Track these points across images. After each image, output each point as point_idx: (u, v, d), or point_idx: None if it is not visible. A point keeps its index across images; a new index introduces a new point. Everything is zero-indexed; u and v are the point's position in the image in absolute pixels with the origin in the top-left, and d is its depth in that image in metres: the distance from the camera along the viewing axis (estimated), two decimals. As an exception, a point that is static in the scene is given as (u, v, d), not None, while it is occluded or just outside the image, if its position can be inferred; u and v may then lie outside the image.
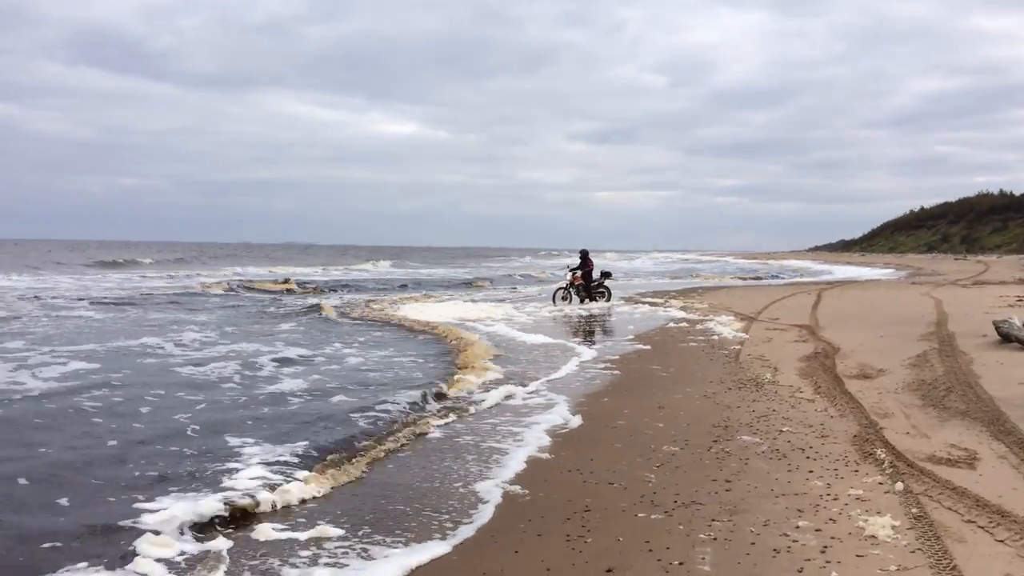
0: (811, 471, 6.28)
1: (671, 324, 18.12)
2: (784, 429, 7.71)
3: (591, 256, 25.82)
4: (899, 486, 5.64)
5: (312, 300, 26.75)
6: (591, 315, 21.71)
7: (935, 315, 16.89)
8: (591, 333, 17.60)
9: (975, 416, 7.57)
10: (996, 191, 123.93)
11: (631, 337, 15.93)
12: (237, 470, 6.66)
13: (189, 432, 8.07)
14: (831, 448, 6.94)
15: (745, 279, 45.11)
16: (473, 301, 26.63)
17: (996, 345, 11.45)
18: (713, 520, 5.31)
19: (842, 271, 57.29)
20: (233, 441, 7.68)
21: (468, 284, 39.92)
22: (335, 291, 32.81)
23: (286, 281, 36.79)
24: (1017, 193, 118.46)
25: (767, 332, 15.80)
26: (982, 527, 4.79)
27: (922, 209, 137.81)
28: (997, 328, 11.58)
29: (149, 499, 5.93)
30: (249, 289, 32.87)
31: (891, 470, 6.08)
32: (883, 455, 6.49)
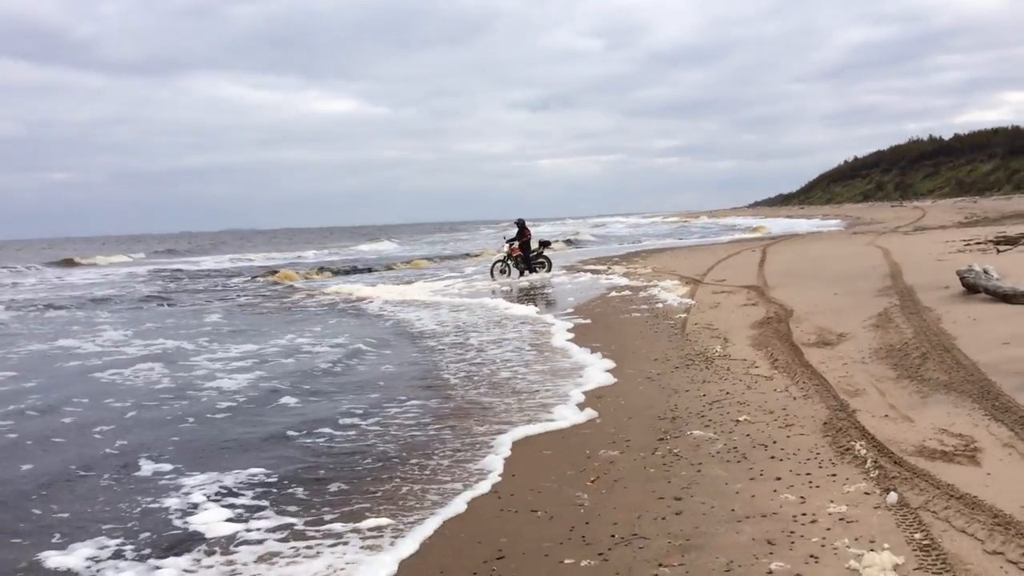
0: (778, 478, 5.08)
1: (613, 293, 16.95)
2: (741, 418, 6.51)
3: (528, 225, 24.55)
4: (892, 497, 4.45)
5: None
6: (530, 287, 20.46)
7: (887, 266, 15.99)
8: (527, 309, 16.31)
9: (961, 389, 6.46)
10: (926, 137, 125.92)
11: (570, 310, 14.68)
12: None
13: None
14: (799, 442, 5.76)
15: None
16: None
17: (961, 297, 10.46)
18: (660, 565, 4.06)
19: (784, 224, 56.98)
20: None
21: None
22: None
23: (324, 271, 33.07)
24: (947, 138, 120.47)
25: (714, 296, 14.70)
26: (1014, 562, 3.61)
27: (856, 159, 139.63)
28: (962, 278, 10.58)
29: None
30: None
31: (877, 472, 4.90)
32: (863, 449, 5.32)
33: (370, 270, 32.18)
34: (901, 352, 7.98)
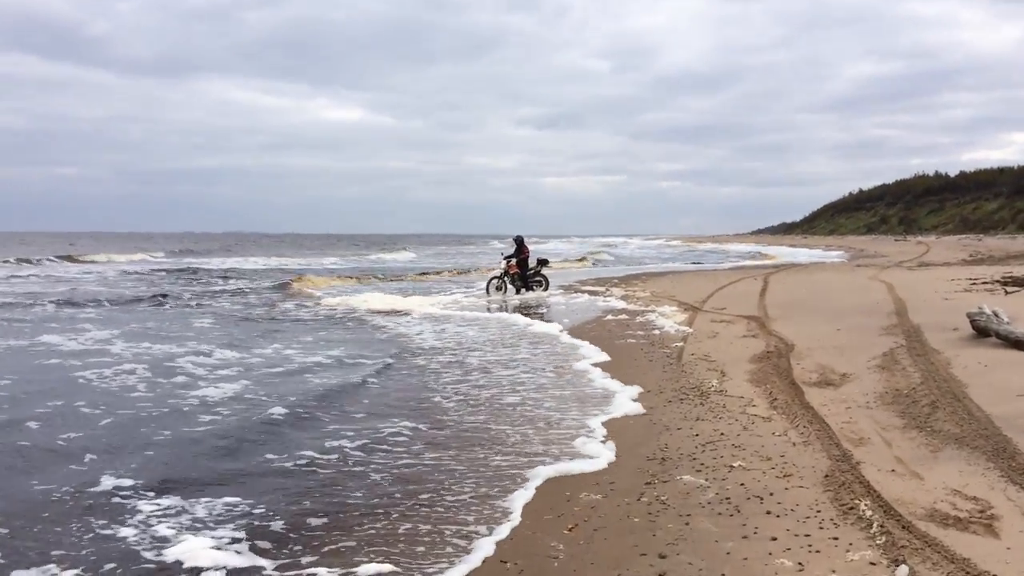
0: (774, 538, 4.60)
1: (609, 316, 16.47)
2: (735, 464, 6.04)
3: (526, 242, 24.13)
4: (902, 571, 3.98)
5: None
6: (525, 306, 19.99)
7: (891, 303, 15.52)
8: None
9: (974, 444, 5.99)
10: (932, 173, 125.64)
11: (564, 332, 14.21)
12: None
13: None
14: (797, 496, 5.28)
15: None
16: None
17: (971, 340, 9.99)
18: (638, 639, 3.58)
19: (787, 253, 56.56)
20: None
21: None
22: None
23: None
24: (952, 174, 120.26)
25: (713, 325, 14.24)
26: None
27: (860, 191, 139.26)
28: (972, 321, 10.12)
29: None
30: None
31: (884, 538, 4.42)
32: (868, 510, 4.85)
33: (397, 279, 31.98)
34: (908, 398, 7.50)
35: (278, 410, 8.27)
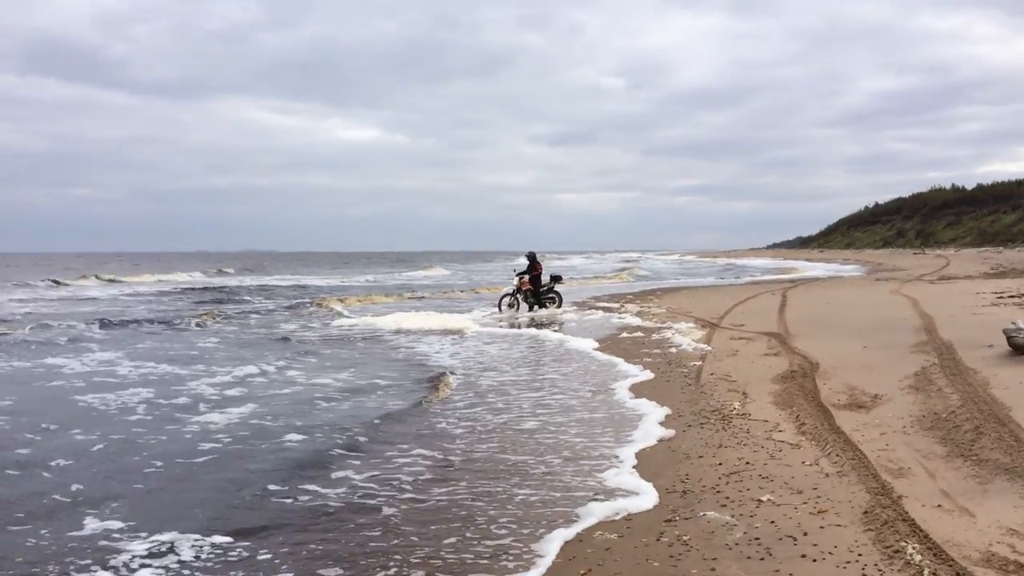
0: (813, 588, 4.09)
1: (624, 334, 15.97)
2: (764, 498, 5.52)
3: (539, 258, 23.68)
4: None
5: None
6: (536, 324, 19.50)
7: (918, 318, 14.95)
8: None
9: (1027, 475, 5.45)
10: (948, 186, 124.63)
11: (576, 352, 13.73)
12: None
13: None
14: (835, 536, 4.76)
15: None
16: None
17: (1009, 358, 9.42)
18: None
19: (805, 267, 55.80)
20: None
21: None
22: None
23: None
24: (969, 187, 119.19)
25: (732, 342, 13.70)
26: None
27: (877, 205, 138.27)
28: (1010, 338, 9.55)
29: None
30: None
31: (938, 589, 3.91)
32: (917, 554, 4.33)
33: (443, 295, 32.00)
34: (949, 423, 6.96)
35: (293, 437, 7.85)
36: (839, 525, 4.93)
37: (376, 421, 8.55)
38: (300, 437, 7.92)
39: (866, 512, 5.08)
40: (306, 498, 6.08)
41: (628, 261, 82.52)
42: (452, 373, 11.71)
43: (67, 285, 39.68)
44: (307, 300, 28.16)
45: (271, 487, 6.31)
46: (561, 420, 8.48)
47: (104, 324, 19.02)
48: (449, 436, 7.89)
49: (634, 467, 6.56)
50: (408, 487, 6.26)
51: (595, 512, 5.44)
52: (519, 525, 5.34)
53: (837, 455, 6.38)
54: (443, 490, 6.16)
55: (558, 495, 5.93)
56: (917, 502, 5.17)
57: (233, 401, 9.78)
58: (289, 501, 6.02)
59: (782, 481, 5.87)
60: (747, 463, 6.41)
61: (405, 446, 7.48)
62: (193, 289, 36.78)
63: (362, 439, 7.78)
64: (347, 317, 21.52)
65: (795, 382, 9.59)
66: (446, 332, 17.49)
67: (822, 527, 4.91)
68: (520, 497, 5.92)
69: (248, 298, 30.71)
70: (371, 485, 6.33)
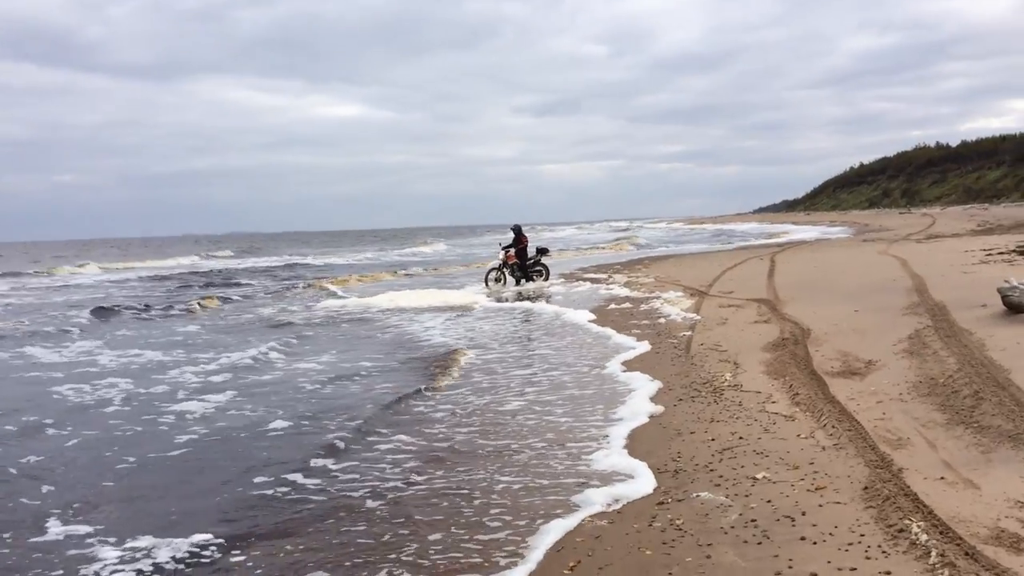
0: (814, 574, 3.87)
1: (612, 305, 15.73)
2: (759, 476, 5.30)
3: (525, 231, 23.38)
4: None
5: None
6: (524, 298, 19.25)
7: (908, 279, 14.76)
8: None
9: (1032, 442, 5.24)
10: (933, 144, 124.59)
11: (563, 326, 13.50)
12: None
13: None
14: (835, 514, 4.54)
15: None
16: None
17: (1004, 318, 9.22)
18: None
19: (793, 231, 55.67)
20: None
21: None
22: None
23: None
24: (953, 145, 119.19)
25: (721, 310, 13.48)
26: None
27: (861, 165, 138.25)
28: (1004, 297, 9.34)
29: None
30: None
31: (947, 571, 3.69)
32: (922, 532, 4.11)
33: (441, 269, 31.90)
34: (946, 388, 6.75)
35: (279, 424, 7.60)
36: (838, 503, 4.71)
37: (369, 407, 8.30)
38: (284, 425, 7.66)
39: (866, 488, 4.86)
40: (285, 489, 5.83)
41: (623, 230, 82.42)
42: (453, 364, 11.46)
43: (54, 274, 38.83)
44: (304, 281, 27.61)
45: (255, 480, 6.06)
46: (550, 398, 8.26)
47: (98, 312, 18.63)
48: (438, 421, 7.64)
49: (625, 447, 6.33)
50: (394, 478, 6.01)
51: (593, 499, 5.19)
52: (514, 516, 5.10)
53: (833, 426, 6.16)
54: (436, 477, 5.92)
55: (546, 482, 5.70)
56: (919, 475, 4.95)
57: (231, 388, 9.49)
58: (270, 493, 5.77)
59: (777, 456, 5.65)
60: (740, 438, 6.19)
61: (388, 431, 7.22)
62: (196, 273, 36.36)
63: (348, 427, 7.53)
64: (360, 297, 20.93)
65: (787, 350, 9.38)
66: (455, 309, 17.26)
67: (821, 505, 4.69)
68: (517, 485, 5.69)
69: (249, 281, 30.25)
70: (353, 476, 6.08)
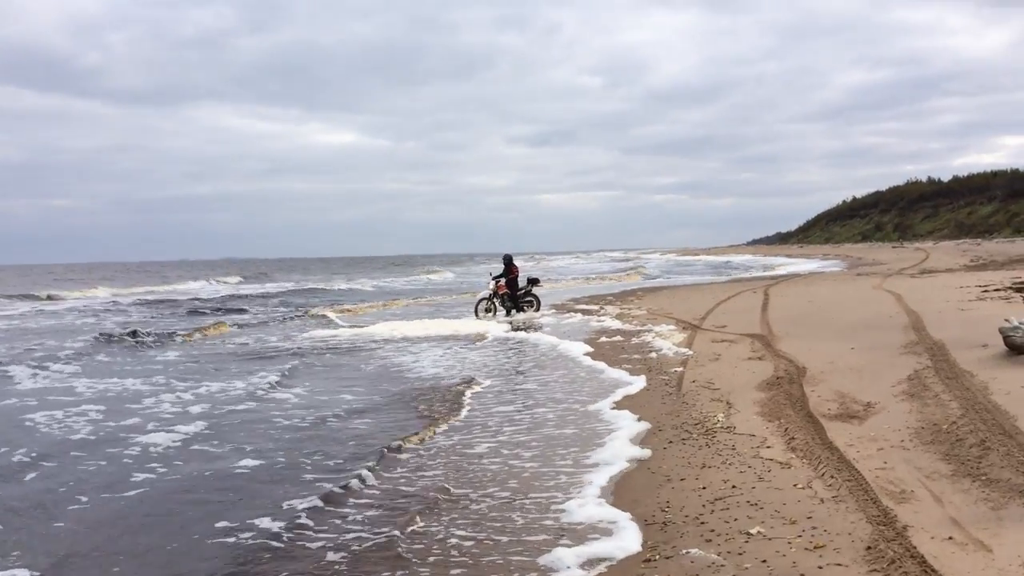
0: (815, 650, 3.49)
1: (603, 338, 15.40)
2: (753, 531, 4.93)
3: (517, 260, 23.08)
4: None
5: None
6: (516, 328, 18.90)
7: (904, 316, 14.46)
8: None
9: (1046, 498, 4.89)
10: (925, 179, 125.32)
11: (552, 359, 13.15)
12: None
13: None
14: (836, 579, 4.18)
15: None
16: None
17: (1006, 359, 8.90)
18: None
19: (787, 264, 55.57)
20: None
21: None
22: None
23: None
24: (945, 179, 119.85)
25: (714, 346, 13.15)
26: None
27: (854, 199, 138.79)
28: (1007, 338, 9.03)
29: None
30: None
31: (962, 651, 3.32)
32: (932, 603, 3.74)
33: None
34: (950, 435, 6.40)
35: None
36: (839, 564, 4.34)
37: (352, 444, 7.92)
38: (254, 463, 7.27)
39: (869, 548, 4.50)
40: (248, 535, 5.44)
41: (624, 260, 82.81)
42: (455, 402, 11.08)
43: (62, 298, 37.68)
44: (308, 309, 26.97)
45: (216, 526, 5.67)
46: (525, 439, 7.89)
47: (104, 339, 18.16)
48: (402, 464, 7.26)
49: (610, 494, 5.96)
50: (358, 528, 5.62)
51: (566, 561, 4.80)
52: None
53: (832, 476, 5.80)
54: (387, 535, 5.54)
55: (504, 539, 5.32)
56: (925, 534, 4.60)
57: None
58: (232, 542, 5.38)
59: (773, 509, 5.29)
60: (733, 487, 5.83)
61: (350, 470, 6.84)
62: (201, 299, 35.87)
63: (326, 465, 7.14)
64: (373, 325, 20.50)
65: (781, 389, 9.04)
66: (460, 339, 16.96)
67: (820, 567, 4.33)
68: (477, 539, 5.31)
69: (262, 307, 29.91)
70: (308, 523, 5.69)
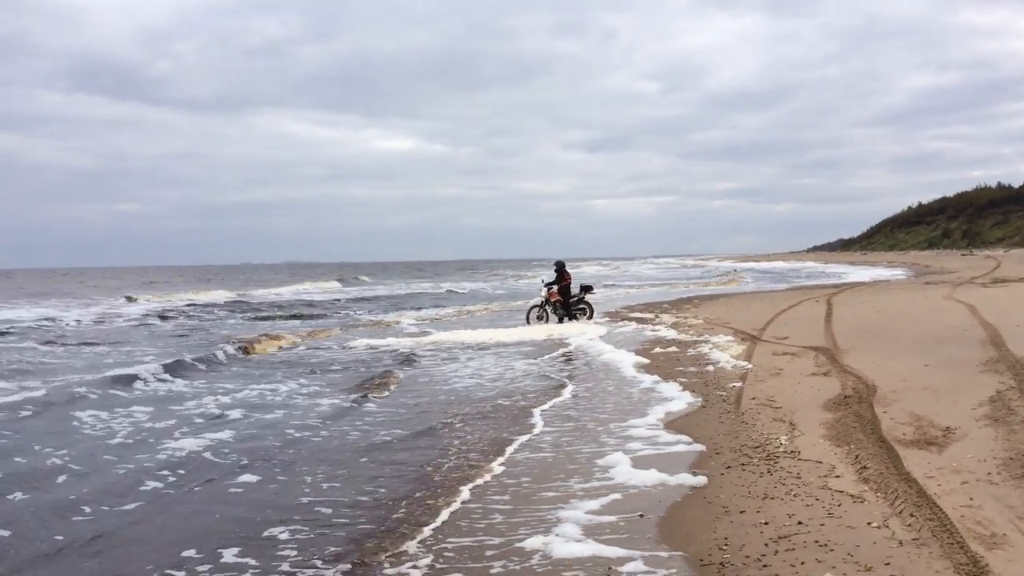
0: None
1: (657, 349, 14.82)
2: (824, 578, 4.39)
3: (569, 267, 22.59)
4: None
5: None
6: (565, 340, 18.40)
7: (980, 329, 13.61)
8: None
9: None
10: (994, 184, 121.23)
11: (603, 371, 12.64)
12: None
13: None
14: (923, 643, 3.63)
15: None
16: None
17: (1100, 381, 8.15)
18: None
19: (850, 272, 53.93)
20: None
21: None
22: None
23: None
24: (1016, 185, 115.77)
25: (775, 359, 12.50)
26: None
27: (920, 205, 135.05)
28: (1102, 357, 8.28)
29: None
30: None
31: None
32: None
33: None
34: (1045, 469, 5.76)
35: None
36: (925, 624, 3.79)
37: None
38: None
39: (959, 604, 3.94)
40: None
41: (697, 267, 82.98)
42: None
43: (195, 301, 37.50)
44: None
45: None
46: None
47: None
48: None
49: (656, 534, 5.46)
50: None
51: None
52: None
53: (911, 513, 5.21)
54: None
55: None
56: (1025, 589, 4.01)
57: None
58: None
59: (845, 552, 4.73)
60: (799, 523, 5.28)
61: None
62: (362, 298, 37.89)
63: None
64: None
65: (850, 409, 8.41)
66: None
67: (903, 628, 3.78)
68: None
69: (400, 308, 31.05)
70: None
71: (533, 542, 5.24)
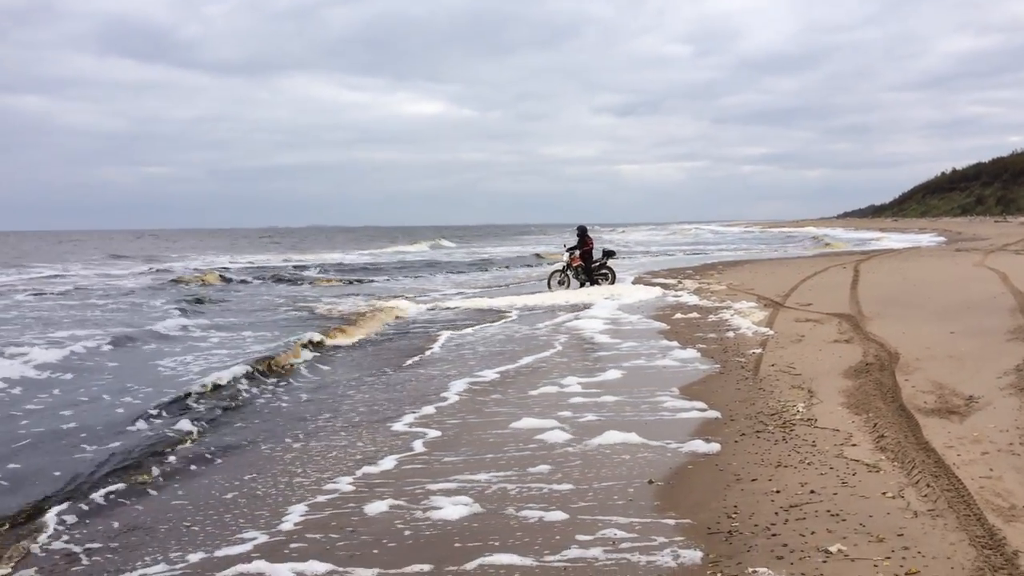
0: None
1: (678, 315, 14.64)
2: (833, 548, 4.27)
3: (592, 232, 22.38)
4: None
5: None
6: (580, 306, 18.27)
7: (1011, 297, 13.29)
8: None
9: None
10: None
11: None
12: None
13: None
14: (932, 617, 3.51)
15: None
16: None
17: None
18: None
19: (880, 238, 53.11)
20: None
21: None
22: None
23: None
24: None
25: (797, 325, 12.29)
26: None
27: (954, 171, 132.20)
28: None
29: None
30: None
31: None
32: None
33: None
34: (1070, 440, 5.57)
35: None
36: (937, 598, 3.67)
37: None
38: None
39: (974, 579, 3.80)
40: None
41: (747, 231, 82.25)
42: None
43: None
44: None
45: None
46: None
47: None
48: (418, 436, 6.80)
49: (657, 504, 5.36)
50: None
51: None
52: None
53: (928, 484, 5.06)
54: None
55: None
56: (1044, 564, 3.87)
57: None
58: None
59: (857, 522, 4.60)
60: (812, 492, 5.15)
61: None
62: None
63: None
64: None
65: (871, 377, 8.22)
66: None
67: (914, 602, 3.66)
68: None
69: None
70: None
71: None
